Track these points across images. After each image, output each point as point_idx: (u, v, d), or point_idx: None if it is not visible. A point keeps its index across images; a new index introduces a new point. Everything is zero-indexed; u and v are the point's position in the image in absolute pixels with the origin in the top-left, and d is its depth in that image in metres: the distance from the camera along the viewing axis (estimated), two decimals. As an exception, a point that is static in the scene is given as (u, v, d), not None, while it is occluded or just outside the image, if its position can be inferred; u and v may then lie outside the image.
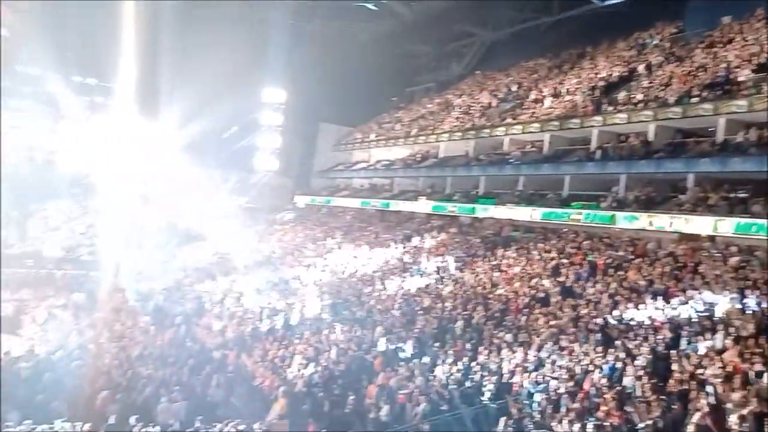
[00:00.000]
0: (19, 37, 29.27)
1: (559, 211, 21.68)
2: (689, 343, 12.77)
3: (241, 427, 13.18)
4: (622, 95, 23.09)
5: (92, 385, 15.86)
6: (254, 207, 41.32)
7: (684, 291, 14.96)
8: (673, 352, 12.58)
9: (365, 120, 43.74)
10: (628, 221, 18.87)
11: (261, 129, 43.10)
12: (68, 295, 27.98)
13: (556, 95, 27.53)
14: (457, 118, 33.25)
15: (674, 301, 14.71)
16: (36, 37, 29.60)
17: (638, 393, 11.84)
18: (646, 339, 13.49)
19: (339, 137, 44.46)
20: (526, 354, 14.76)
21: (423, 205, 29.24)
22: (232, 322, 21.51)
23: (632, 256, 18.47)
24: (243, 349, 19.12)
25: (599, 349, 13.78)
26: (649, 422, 10.85)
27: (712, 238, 17.14)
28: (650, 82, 22.73)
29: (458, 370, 14.90)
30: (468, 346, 16.09)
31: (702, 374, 11.42)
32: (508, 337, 16.08)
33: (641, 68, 24.52)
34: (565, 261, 19.86)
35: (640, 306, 15.12)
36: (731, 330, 12.51)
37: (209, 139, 37.28)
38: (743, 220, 15.42)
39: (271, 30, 36.29)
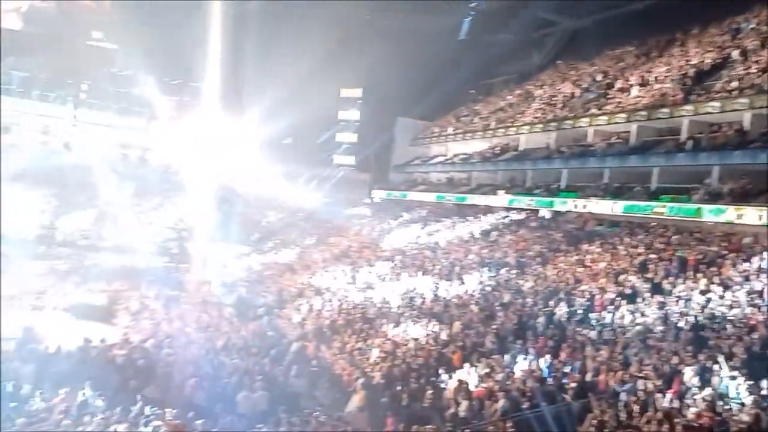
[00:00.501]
0: (115, 43, 30.82)
1: (642, 204, 20.76)
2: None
3: (322, 418, 13.39)
4: (715, 83, 21.82)
5: (181, 373, 16.55)
6: (332, 202, 41.93)
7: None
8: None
9: (443, 114, 43.43)
10: (714, 215, 17.85)
11: (339, 125, 43.67)
12: (159, 286, 29.40)
13: (643, 84, 26.35)
14: (538, 109, 32.47)
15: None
16: (129, 42, 31.10)
17: (732, 394, 11.17)
18: (740, 339, 12.70)
19: (416, 132, 44.36)
20: (611, 352, 14.20)
21: (500, 199, 28.77)
22: (311, 315, 21.94)
23: (726, 252, 17.43)
24: (322, 341, 19.46)
25: (689, 348, 13.09)
26: (743, 425, 10.21)
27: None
28: (746, 69, 21.34)
29: (539, 367, 14.53)
30: (550, 343, 15.68)
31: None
32: (593, 334, 15.55)
33: (736, 54, 23.07)
34: (653, 256, 18.97)
35: (734, 304, 14.25)
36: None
37: (288, 135, 38.12)
38: None
39: (348, 27, 36.64)
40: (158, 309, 25.34)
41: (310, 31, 33.38)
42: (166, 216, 38.49)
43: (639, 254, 19.61)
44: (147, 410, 13.15)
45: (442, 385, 14.63)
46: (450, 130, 39.65)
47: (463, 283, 22.45)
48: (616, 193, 22.73)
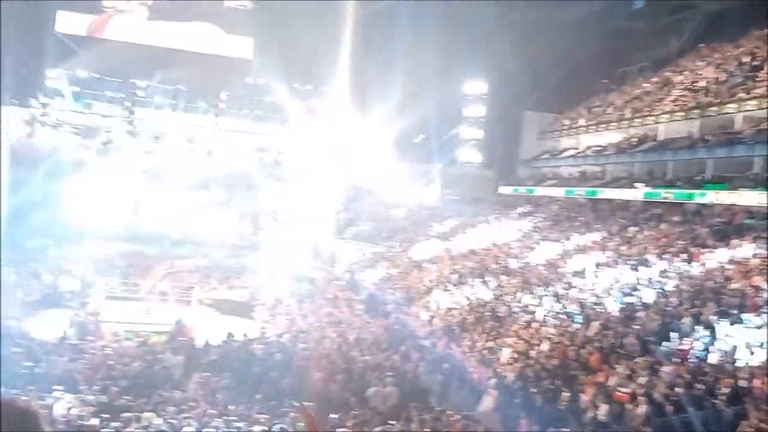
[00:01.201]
0: (250, 54, 32.64)
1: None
2: None
3: (453, 417, 13.29)
4: None
5: (315, 367, 17.17)
6: (457, 199, 41.66)
7: None
8: None
9: (573, 105, 41.68)
10: None
11: (464, 121, 43.32)
12: (293, 283, 30.75)
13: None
14: (678, 96, 30.20)
15: None
16: (262, 52, 32.81)
17: None
18: None
19: (544, 125, 42.93)
20: (770, 356, 12.88)
21: (637, 192, 27.12)
22: (440, 312, 21.88)
23: None
24: (451, 338, 19.35)
25: None
26: None
27: None
28: None
29: (686, 370, 13.47)
30: (698, 344, 14.49)
31: None
32: (746, 335, 14.18)
33: None
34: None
35: None
36: None
37: (415, 133, 38.37)
38: None
39: (472, 21, 36.23)
40: (292, 305, 26.50)
41: (436, 27, 33.34)
42: (300, 216, 40.20)
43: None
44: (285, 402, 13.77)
45: (579, 387, 13.99)
46: (581, 122, 37.97)
47: (598, 281, 21.39)
48: (769, 184, 20.67)
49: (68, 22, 30.55)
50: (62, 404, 13.42)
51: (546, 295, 21.22)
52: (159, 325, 22.27)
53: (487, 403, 14.46)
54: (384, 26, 33.45)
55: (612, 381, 13.79)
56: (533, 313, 19.77)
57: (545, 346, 16.39)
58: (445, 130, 42.38)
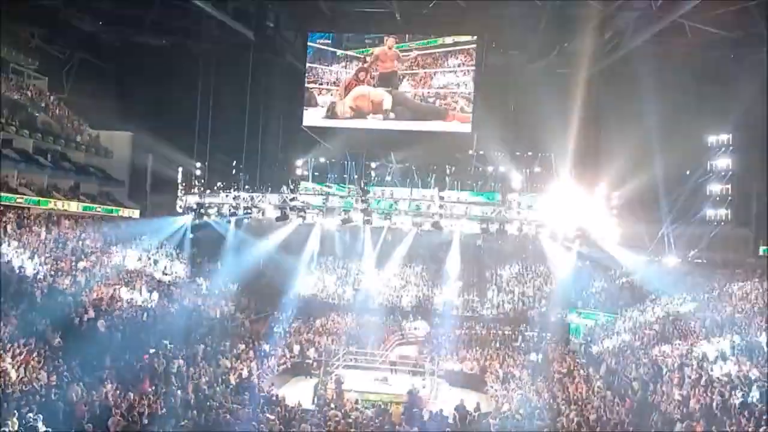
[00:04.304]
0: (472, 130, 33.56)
1: None
2: None
3: None
4: None
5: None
6: (705, 262, 37.26)
7: None
8: None
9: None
10: None
11: (708, 175, 39.22)
12: (523, 355, 29.59)
13: None
14: None
15: None
16: (483, 124, 33.49)
17: None
18: None
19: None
20: None
21: None
22: (696, 391, 19.15)
23: None
24: (712, 423, 16.72)
25: None
26: None
27: None
28: None
29: None
30: None
31: None
32: None
33: None
34: None
35: None
36: None
37: (649, 192, 35.64)
38: None
39: (709, 67, 33.16)
40: (524, 378, 25.38)
41: (666, 80, 31.09)
42: (526, 285, 39.19)
43: None
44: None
45: None
46: None
47: None
48: None
49: (312, 117, 34.31)
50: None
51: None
52: (394, 395, 22.73)
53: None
54: (612, 85, 32.12)
55: None
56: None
57: None
58: (686, 185, 38.62)
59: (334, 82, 34.32)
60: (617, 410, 18.93)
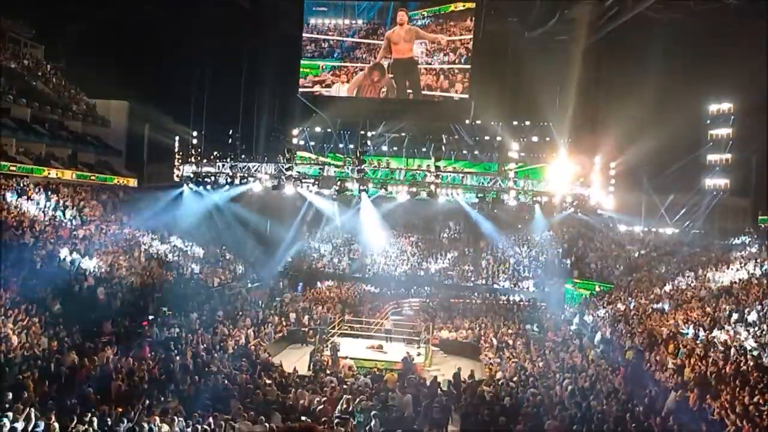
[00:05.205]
0: (471, 98, 33.24)
1: None
2: None
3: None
4: None
5: (547, 413, 16.15)
6: (703, 232, 37.34)
7: None
8: None
9: None
10: None
11: (707, 145, 39.05)
12: (518, 324, 29.76)
13: None
14: None
15: None
16: (481, 93, 33.20)
17: None
18: None
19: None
20: None
21: None
22: (690, 360, 19.31)
23: None
24: (706, 392, 16.90)
25: None
26: None
27: None
28: None
29: None
30: None
31: None
32: None
33: None
34: None
35: None
36: None
37: (647, 162, 35.52)
38: None
39: (709, 35, 32.74)
40: (519, 347, 25.55)
41: (667, 48, 30.70)
42: (518, 254, 39.25)
43: None
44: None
45: None
46: None
47: None
48: None
49: (307, 85, 34.05)
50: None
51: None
52: (389, 363, 22.92)
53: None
54: (612, 53, 31.74)
55: None
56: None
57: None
58: (686, 155, 38.48)
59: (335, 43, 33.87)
60: (611, 379, 19.09)
